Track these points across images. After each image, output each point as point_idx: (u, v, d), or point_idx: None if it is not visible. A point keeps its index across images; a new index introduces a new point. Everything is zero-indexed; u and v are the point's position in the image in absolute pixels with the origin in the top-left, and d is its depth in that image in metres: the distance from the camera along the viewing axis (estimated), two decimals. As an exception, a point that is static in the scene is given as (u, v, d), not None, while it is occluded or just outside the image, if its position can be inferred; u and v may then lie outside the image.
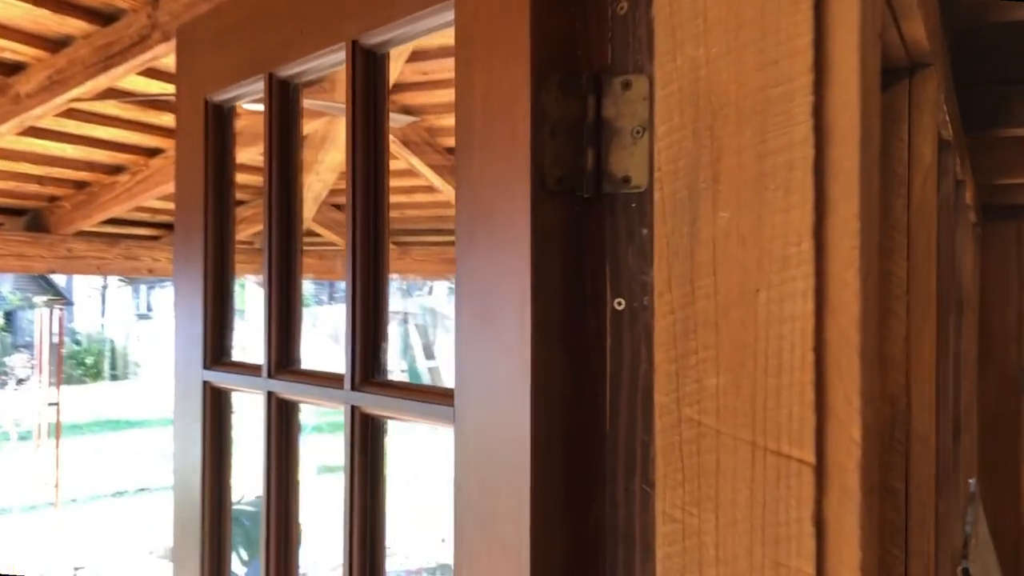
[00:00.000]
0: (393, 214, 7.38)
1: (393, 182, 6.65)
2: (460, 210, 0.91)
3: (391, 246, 7.31)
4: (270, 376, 1.24)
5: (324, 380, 1.16)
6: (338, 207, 7.36)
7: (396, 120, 4.98)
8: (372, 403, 1.06)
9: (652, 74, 0.86)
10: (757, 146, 0.79)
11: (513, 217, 0.85)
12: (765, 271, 0.78)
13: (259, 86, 1.29)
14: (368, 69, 1.08)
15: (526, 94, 0.83)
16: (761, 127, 0.78)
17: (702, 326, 0.80)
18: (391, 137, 5.63)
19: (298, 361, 1.26)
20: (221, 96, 1.39)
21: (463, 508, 0.89)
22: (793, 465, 0.77)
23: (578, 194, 0.87)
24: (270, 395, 1.24)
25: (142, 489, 12.92)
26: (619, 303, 0.87)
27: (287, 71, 1.23)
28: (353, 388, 1.07)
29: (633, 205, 0.86)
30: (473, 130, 0.89)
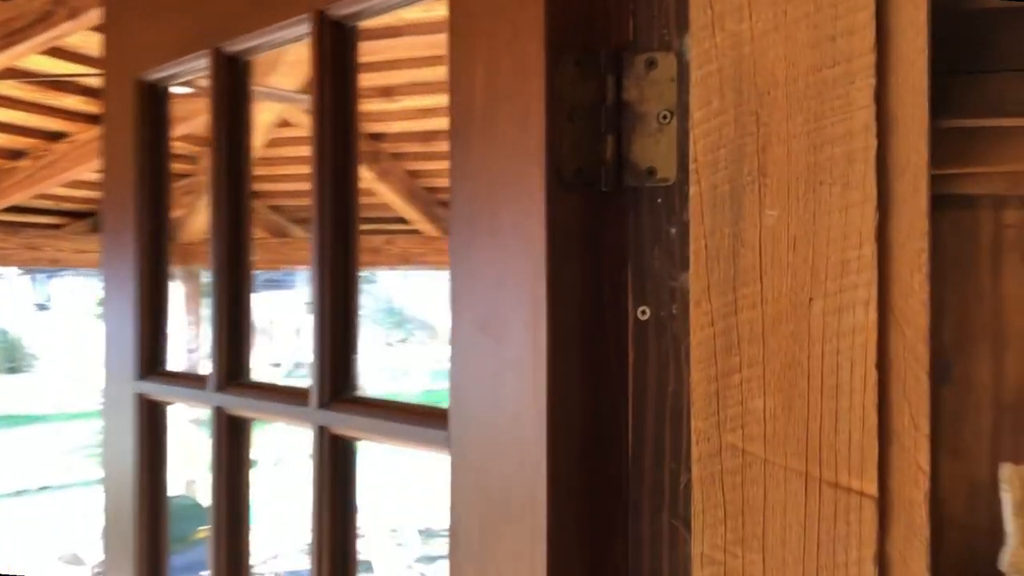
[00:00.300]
0: (301, 202, 7.17)
1: (302, 168, 6.45)
2: (457, 204, 0.80)
3: (302, 236, 7.09)
4: (219, 389, 1.10)
5: (285, 395, 1.03)
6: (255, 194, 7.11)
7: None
8: (345, 423, 0.94)
9: (681, 51, 0.75)
10: (810, 135, 0.69)
11: (524, 214, 0.74)
12: (820, 278, 0.69)
13: (201, 63, 1.15)
14: (337, 44, 0.95)
15: (540, 71, 0.72)
16: (815, 113, 0.69)
17: (747, 340, 0.70)
18: (303, 120, 5.44)
19: (248, 371, 1.13)
20: (156, 75, 1.24)
21: (461, 551, 0.78)
22: (853, 499, 0.68)
23: (597, 188, 0.76)
24: (219, 411, 1.10)
25: (44, 487, 12.43)
26: (643, 312, 0.76)
27: (237, 46, 1.09)
28: (322, 405, 0.95)
29: (659, 201, 0.76)
30: (473, 112, 0.78)
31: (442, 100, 4.43)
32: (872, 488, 0.68)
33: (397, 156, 6.08)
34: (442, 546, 8.21)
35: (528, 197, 0.74)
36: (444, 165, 5.73)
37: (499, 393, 0.77)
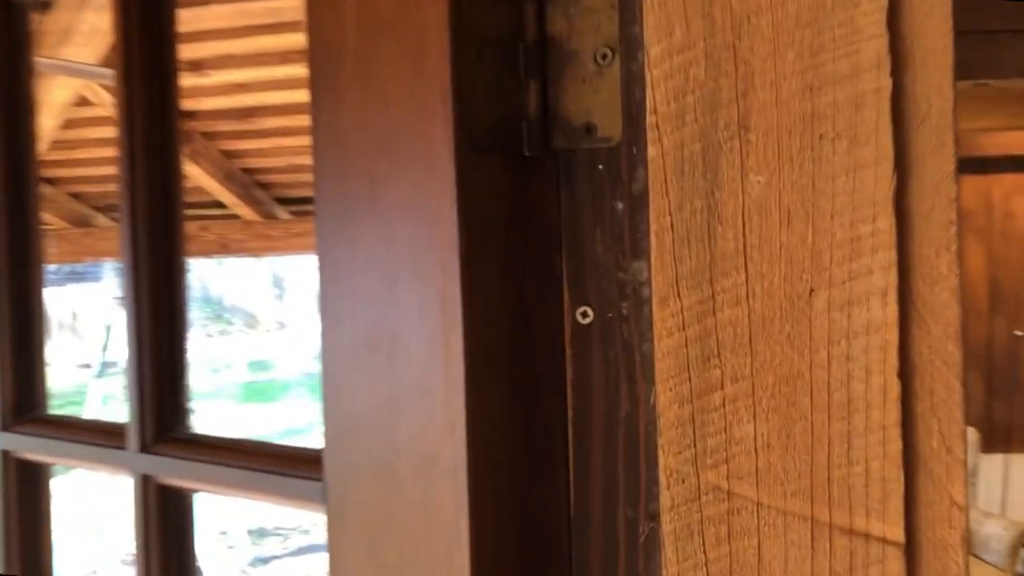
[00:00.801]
0: (106, 188, 6.64)
1: (105, 151, 5.95)
2: (324, 177, 0.60)
3: (99, 226, 6.56)
4: (3, 428, 0.85)
5: (95, 434, 0.79)
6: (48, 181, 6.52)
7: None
8: (177, 471, 0.71)
9: (623, -31, 0.57)
10: (805, 74, 0.53)
11: (423, 187, 0.54)
12: (823, 262, 0.53)
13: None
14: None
15: (442, -9, 0.53)
16: (811, 46, 0.52)
17: (729, 348, 0.54)
18: (104, 97, 4.99)
19: (43, 401, 0.88)
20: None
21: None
22: (874, 548, 0.52)
23: (517, 151, 0.57)
24: (5, 455, 0.85)
25: None
26: (584, 314, 0.58)
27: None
28: (144, 448, 0.72)
29: (600, 167, 0.58)
30: (343, 50, 0.58)
31: (257, 74, 4.11)
32: (898, 533, 0.52)
33: (210, 135, 5.68)
34: (275, 546, 7.88)
35: (429, 164, 0.55)
36: (263, 144, 5.41)
37: (396, 429, 0.57)
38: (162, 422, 0.74)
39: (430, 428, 0.56)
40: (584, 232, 0.59)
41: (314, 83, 0.62)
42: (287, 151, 5.50)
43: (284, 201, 5.97)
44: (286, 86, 4.88)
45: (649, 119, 0.55)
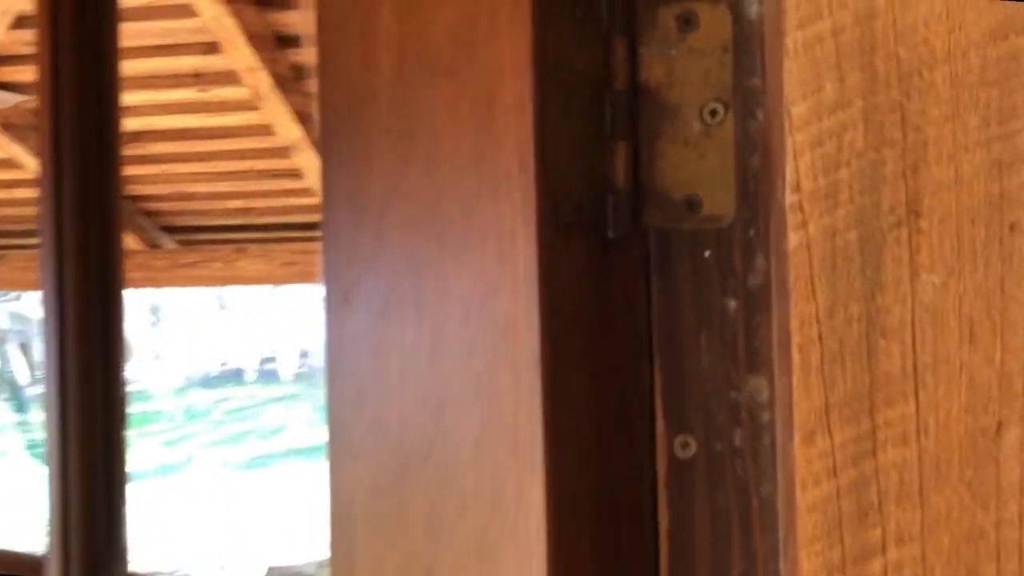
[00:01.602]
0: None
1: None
2: (339, 262, 0.45)
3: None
4: None
5: None
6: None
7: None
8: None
9: (739, 1, 0.45)
10: (992, 145, 0.41)
11: (490, 283, 0.41)
12: (1015, 388, 0.41)
13: None
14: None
15: (525, 13, 0.40)
16: (999, 110, 0.41)
17: (894, 499, 0.42)
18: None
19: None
20: None
21: None
22: None
23: (600, 232, 0.44)
24: None
25: None
26: (684, 445, 0.45)
27: None
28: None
29: (707, 254, 0.45)
30: (374, 92, 0.45)
31: (146, 97, 3.87)
32: None
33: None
34: None
35: (500, 250, 0.41)
36: (150, 170, 5.12)
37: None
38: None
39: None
40: (685, 337, 0.46)
41: (326, 133, 0.47)
42: (175, 178, 5.24)
43: (170, 230, 5.68)
44: (176, 110, 4.65)
45: (790, 198, 0.42)
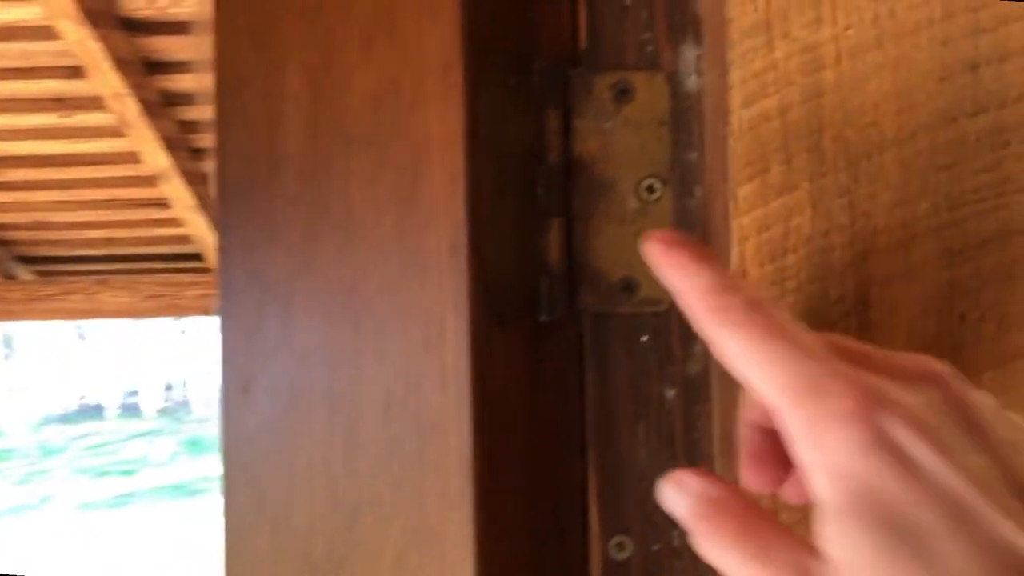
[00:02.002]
0: None
1: None
2: (235, 360, 0.40)
3: None
4: None
5: None
6: None
7: None
8: None
9: (678, 72, 0.43)
10: (942, 233, 0.40)
11: (413, 378, 0.37)
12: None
13: None
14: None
15: (456, 78, 0.36)
16: (949, 195, 0.40)
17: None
18: None
19: None
20: None
21: None
22: None
23: (533, 317, 0.40)
24: None
25: None
26: (620, 546, 0.42)
27: None
28: None
29: (644, 339, 0.42)
30: (281, 157, 0.40)
31: (2, 121, 3.66)
32: None
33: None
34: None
35: (426, 344, 0.37)
36: (5, 198, 4.85)
37: None
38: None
39: None
40: (621, 429, 0.43)
41: (225, 204, 0.42)
42: (34, 206, 4.99)
43: (27, 260, 5.40)
44: (36, 136, 4.43)
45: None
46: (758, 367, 0.31)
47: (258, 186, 0.42)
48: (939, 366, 0.33)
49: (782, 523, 0.33)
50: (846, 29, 0.40)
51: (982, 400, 0.32)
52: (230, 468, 0.43)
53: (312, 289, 0.41)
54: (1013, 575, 0.28)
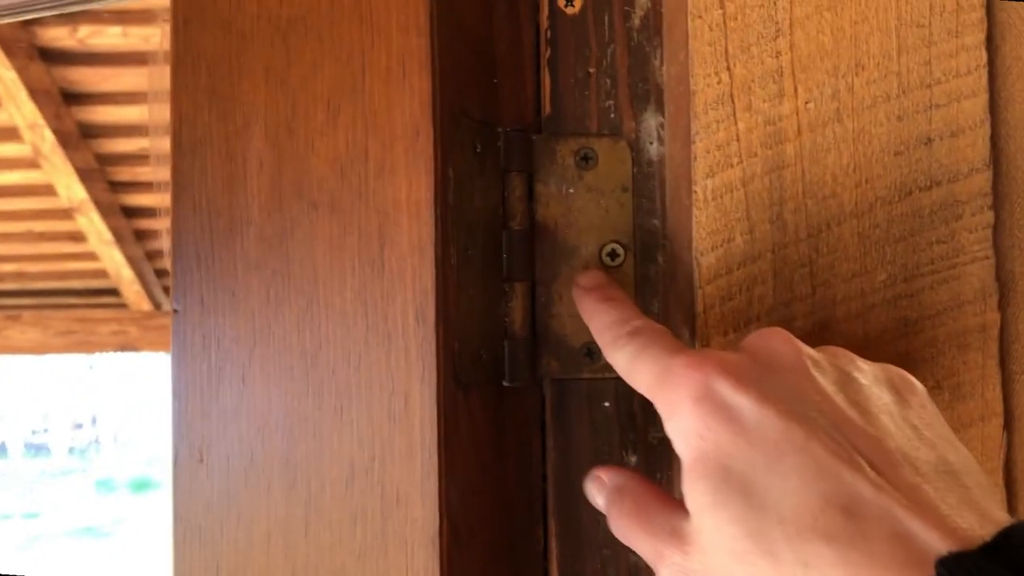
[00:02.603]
0: None
1: None
2: (187, 407, 0.40)
3: None
4: None
5: None
6: None
7: None
8: None
9: (639, 138, 0.43)
10: (898, 303, 0.42)
11: (382, 446, 0.37)
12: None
13: None
14: None
15: (426, 136, 0.36)
16: (905, 266, 0.41)
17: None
18: None
19: None
20: None
21: None
22: None
23: (496, 382, 0.40)
24: None
25: None
26: (582, 615, 0.41)
27: None
28: None
29: (606, 405, 0.42)
30: (242, 220, 0.39)
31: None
32: None
33: None
34: None
35: (392, 413, 0.37)
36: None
37: None
38: None
39: None
40: (582, 496, 0.43)
41: (181, 265, 0.42)
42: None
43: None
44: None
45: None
46: (637, 372, 0.36)
47: (217, 249, 0.41)
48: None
49: (670, 497, 0.36)
50: (806, 103, 0.41)
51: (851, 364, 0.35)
52: (182, 535, 0.41)
53: (272, 356, 0.40)
54: (833, 508, 0.29)
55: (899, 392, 0.35)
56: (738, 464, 0.31)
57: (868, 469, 0.30)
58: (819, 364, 0.34)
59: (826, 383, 0.33)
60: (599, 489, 0.38)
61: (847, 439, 0.31)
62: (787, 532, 0.30)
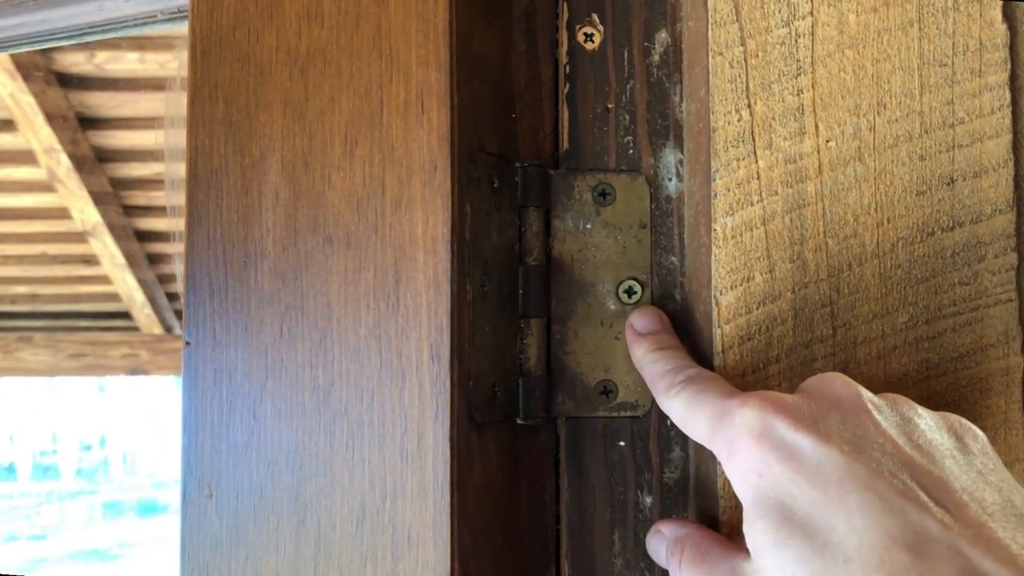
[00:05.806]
0: None
1: None
2: (197, 441, 0.39)
3: None
4: None
5: None
6: None
7: None
8: None
9: (658, 175, 0.42)
10: (920, 345, 0.40)
11: (394, 486, 0.36)
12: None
13: None
14: None
15: (444, 174, 0.36)
16: (927, 308, 0.40)
17: None
18: None
19: None
20: None
21: None
22: None
23: (511, 421, 0.40)
24: None
25: None
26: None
27: None
28: None
29: (621, 444, 0.41)
30: (255, 253, 0.38)
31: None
32: None
33: None
34: None
35: (405, 452, 0.36)
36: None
37: None
38: None
39: None
40: (597, 538, 0.42)
41: (194, 298, 0.41)
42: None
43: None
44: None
45: (718, 395, 0.39)
46: (693, 417, 0.35)
47: (231, 282, 0.40)
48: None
49: (731, 542, 0.36)
50: (828, 141, 0.41)
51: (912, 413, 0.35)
52: (190, 572, 0.41)
53: (284, 391, 0.39)
54: (900, 547, 0.29)
55: (960, 438, 0.34)
56: (800, 503, 0.31)
57: (934, 507, 0.30)
58: (880, 407, 0.34)
59: (888, 425, 0.33)
60: (659, 542, 0.38)
61: (912, 478, 0.31)
62: (852, 571, 0.29)
